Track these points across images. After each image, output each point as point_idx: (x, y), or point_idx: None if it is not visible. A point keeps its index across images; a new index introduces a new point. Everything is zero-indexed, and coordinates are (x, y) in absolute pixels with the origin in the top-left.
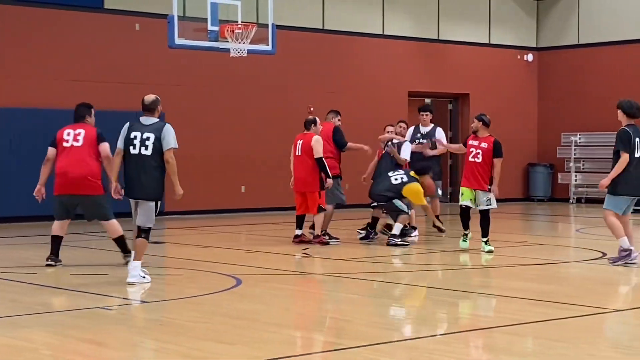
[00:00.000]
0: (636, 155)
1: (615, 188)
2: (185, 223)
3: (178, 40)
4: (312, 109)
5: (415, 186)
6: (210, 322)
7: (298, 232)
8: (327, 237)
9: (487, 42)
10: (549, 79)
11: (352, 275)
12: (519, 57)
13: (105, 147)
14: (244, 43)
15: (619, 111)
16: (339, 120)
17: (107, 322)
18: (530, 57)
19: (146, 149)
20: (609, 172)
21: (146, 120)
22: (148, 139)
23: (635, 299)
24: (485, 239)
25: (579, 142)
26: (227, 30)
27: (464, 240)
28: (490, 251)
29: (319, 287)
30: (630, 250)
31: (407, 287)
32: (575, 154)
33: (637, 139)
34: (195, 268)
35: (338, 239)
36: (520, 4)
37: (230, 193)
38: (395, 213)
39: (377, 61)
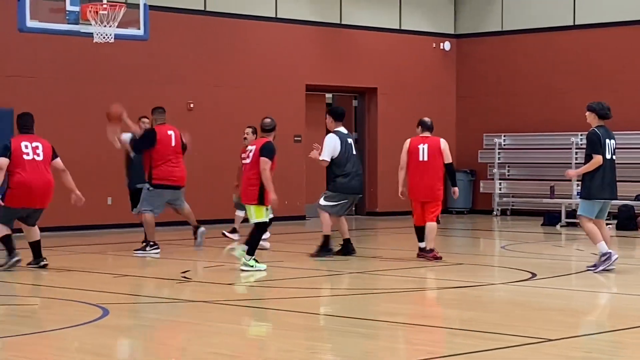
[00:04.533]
0: (607, 157)
1: (588, 192)
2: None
3: (30, 23)
4: (192, 106)
5: None
6: None
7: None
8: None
9: (398, 27)
10: (469, 71)
11: (240, 302)
12: (434, 45)
13: None
14: (110, 26)
15: (588, 113)
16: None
17: None
18: (447, 45)
19: None
20: (537, 179)
21: None
22: None
23: (571, 327)
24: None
25: (504, 145)
26: (90, 11)
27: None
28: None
29: (200, 317)
30: (609, 253)
31: (305, 316)
32: (499, 159)
33: (607, 140)
34: (52, 296)
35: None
36: None
37: (94, 206)
38: None
39: (269, 50)
